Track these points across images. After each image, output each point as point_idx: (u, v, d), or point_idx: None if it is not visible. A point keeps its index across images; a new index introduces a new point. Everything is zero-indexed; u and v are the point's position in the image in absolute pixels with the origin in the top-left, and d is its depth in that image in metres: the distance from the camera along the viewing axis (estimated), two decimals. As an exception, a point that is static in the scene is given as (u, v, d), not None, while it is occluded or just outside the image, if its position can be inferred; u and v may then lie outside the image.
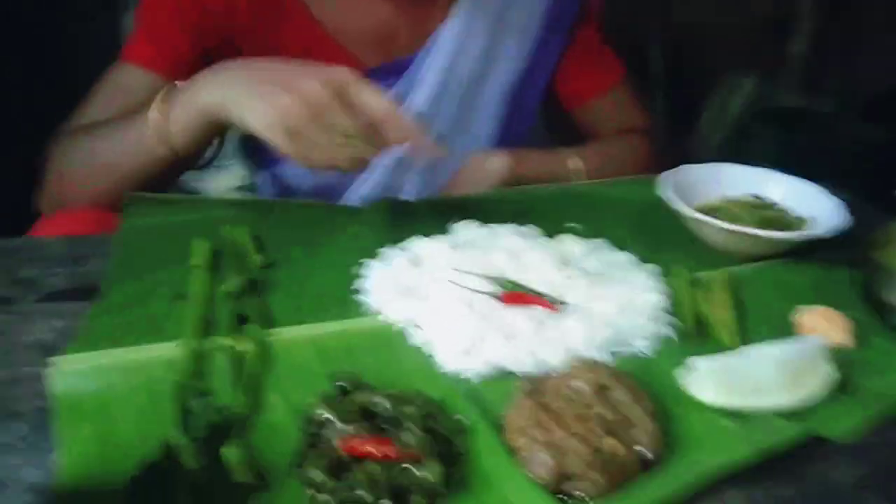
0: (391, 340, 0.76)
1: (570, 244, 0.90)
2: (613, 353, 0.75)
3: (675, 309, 0.82)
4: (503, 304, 0.77)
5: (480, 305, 0.77)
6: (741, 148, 2.36)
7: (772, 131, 2.30)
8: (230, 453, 0.59)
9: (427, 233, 0.91)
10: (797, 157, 1.40)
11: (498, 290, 0.78)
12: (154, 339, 0.73)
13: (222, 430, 0.62)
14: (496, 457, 0.62)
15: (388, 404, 0.63)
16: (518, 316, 0.76)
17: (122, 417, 0.63)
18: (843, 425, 0.67)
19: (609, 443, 0.60)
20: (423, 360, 0.73)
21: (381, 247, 0.89)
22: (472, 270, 0.80)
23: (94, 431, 0.62)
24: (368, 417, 0.62)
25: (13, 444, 0.61)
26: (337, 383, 0.66)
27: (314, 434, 0.61)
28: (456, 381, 0.71)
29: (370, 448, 0.58)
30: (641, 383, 0.68)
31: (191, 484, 0.57)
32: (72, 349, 0.70)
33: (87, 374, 0.67)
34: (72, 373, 0.67)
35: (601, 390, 0.65)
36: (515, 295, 0.77)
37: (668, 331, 0.79)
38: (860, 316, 0.82)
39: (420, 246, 0.88)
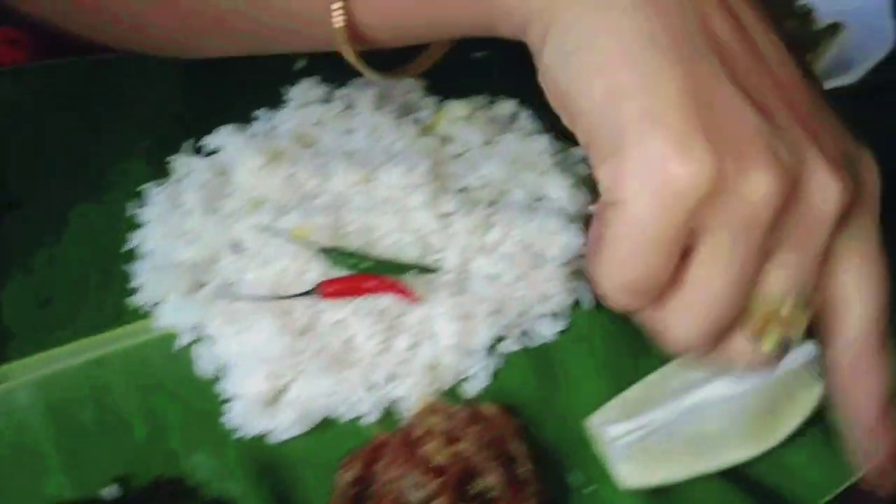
0: (165, 369, 0.48)
1: (457, 125, 0.57)
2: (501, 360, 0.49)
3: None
4: (321, 297, 0.48)
5: (296, 305, 0.48)
6: None
7: None
8: None
9: (248, 107, 0.59)
10: None
11: (316, 274, 0.48)
12: None
13: None
14: None
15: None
16: (355, 318, 0.48)
17: None
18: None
19: None
20: (215, 409, 0.47)
21: (178, 148, 0.57)
22: (285, 219, 0.50)
23: None
24: None
25: None
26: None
27: None
28: (254, 447, 0.46)
29: None
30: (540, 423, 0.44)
31: None
32: None
33: None
34: None
35: (462, 462, 0.41)
36: (340, 282, 0.48)
37: (587, 295, 0.51)
38: None
39: (231, 146, 0.56)
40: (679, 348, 0.33)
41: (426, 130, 0.57)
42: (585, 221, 0.54)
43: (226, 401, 0.47)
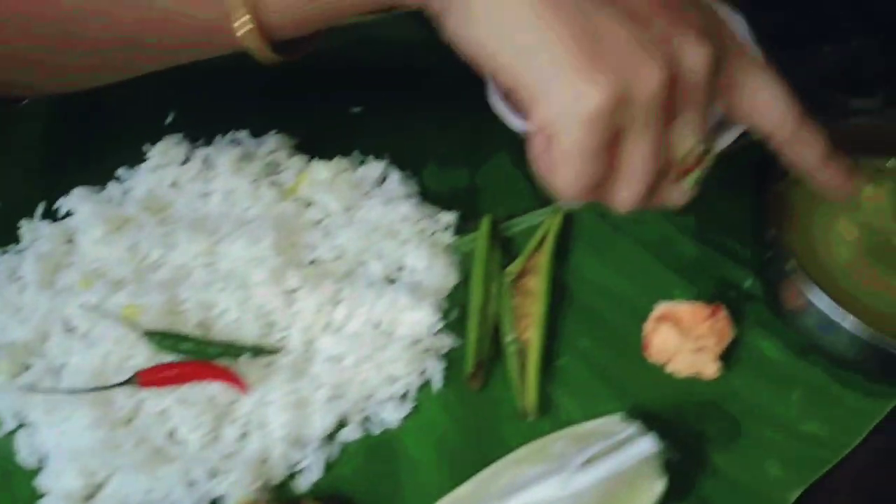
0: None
1: (318, 189, 0.54)
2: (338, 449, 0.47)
3: (469, 321, 0.51)
4: (140, 387, 0.46)
5: (118, 393, 0.46)
6: None
7: None
8: None
9: (112, 164, 0.56)
10: None
11: (142, 359, 0.46)
12: None
13: None
14: None
15: None
16: (179, 407, 0.45)
17: None
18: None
19: None
20: None
21: (31, 212, 0.54)
22: (118, 296, 0.48)
23: None
24: None
25: None
26: None
27: None
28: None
29: None
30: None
31: None
32: None
33: None
34: None
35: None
36: (160, 370, 0.45)
37: (437, 376, 0.49)
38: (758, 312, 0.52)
39: (81, 210, 0.53)
40: (624, 210, 0.41)
41: (286, 194, 0.55)
42: (441, 298, 0.52)
43: (41, 496, 0.45)
